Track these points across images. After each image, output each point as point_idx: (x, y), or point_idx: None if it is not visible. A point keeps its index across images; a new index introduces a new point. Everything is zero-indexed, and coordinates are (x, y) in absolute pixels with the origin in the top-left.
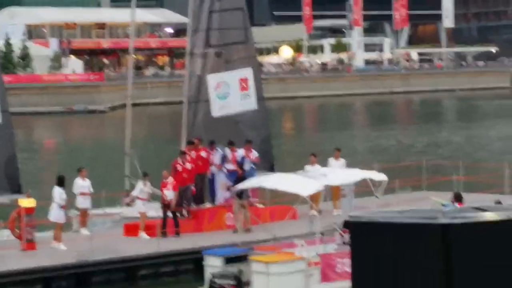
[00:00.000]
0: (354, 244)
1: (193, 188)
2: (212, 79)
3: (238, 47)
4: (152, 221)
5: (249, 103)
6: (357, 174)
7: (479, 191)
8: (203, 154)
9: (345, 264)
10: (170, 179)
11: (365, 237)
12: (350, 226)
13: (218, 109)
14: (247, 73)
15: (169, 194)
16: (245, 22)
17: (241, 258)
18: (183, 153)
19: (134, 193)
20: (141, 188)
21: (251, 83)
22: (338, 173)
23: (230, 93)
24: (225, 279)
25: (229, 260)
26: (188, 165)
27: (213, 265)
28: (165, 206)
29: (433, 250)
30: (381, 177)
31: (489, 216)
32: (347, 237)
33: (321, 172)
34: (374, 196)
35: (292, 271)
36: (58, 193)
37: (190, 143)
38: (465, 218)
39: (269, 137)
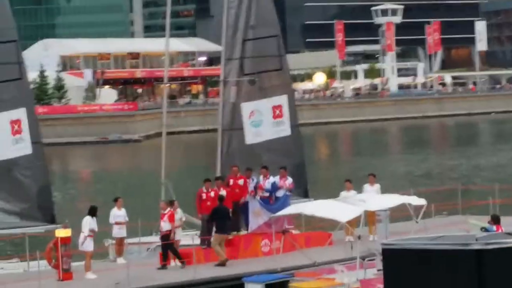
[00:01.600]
0: (387, 271)
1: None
2: (246, 107)
3: (272, 74)
4: (186, 249)
5: (283, 130)
6: (396, 199)
7: None
8: (240, 182)
9: None
10: (168, 210)
11: (397, 264)
12: (382, 252)
13: (252, 136)
14: (282, 100)
15: (166, 225)
16: (280, 49)
17: (282, 285)
18: (207, 181)
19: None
20: (180, 215)
21: (285, 110)
22: (377, 198)
23: (264, 121)
24: None
25: (270, 287)
26: (212, 193)
27: None
28: (163, 237)
29: (467, 276)
30: (420, 201)
31: None
32: None
33: (360, 197)
34: (413, 221)
35: None
36: (86, 222)
37: (218, 178)
38: (498, 243)
39: (303, 163)
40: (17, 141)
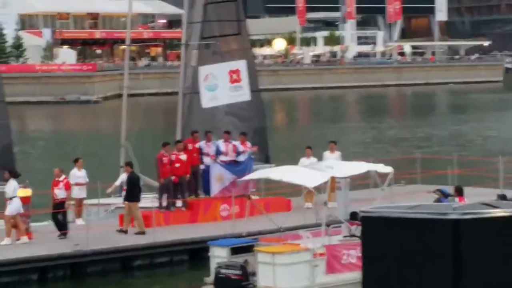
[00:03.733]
0: (366, 238)
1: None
2: (202, 71)
3: (230, 39)
4: (145, 211)
5: (241, 95)
6: (363, 166)
7: (474, 185)
8: (198, 146)
9: (350, 256)
10: (63, 177)
11: (376, 232)
12: (362, 220)
13: (207, 100)
14: (239, 65)
15: (60, 193)
16: (239, 14)
17: (247, 249)
18: (166, 144)
19: (117, 183)
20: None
21: (244, 75)
22: (344, 165)
23: (219, 85)
24: (231, 270)
25: (235, 251)
26: (173, 157)
27: (219, 255)
28: (56, 205)
29: (444, 245)
30: (387, 169)
31: (500, 212)
32: (354, 229)
33: (327, 164)
34: (377, 189)
35: (297, 262)
36: (12, 186)
37: (178, 142)
38: (476, 214)
39: (264, 128)
40: None
